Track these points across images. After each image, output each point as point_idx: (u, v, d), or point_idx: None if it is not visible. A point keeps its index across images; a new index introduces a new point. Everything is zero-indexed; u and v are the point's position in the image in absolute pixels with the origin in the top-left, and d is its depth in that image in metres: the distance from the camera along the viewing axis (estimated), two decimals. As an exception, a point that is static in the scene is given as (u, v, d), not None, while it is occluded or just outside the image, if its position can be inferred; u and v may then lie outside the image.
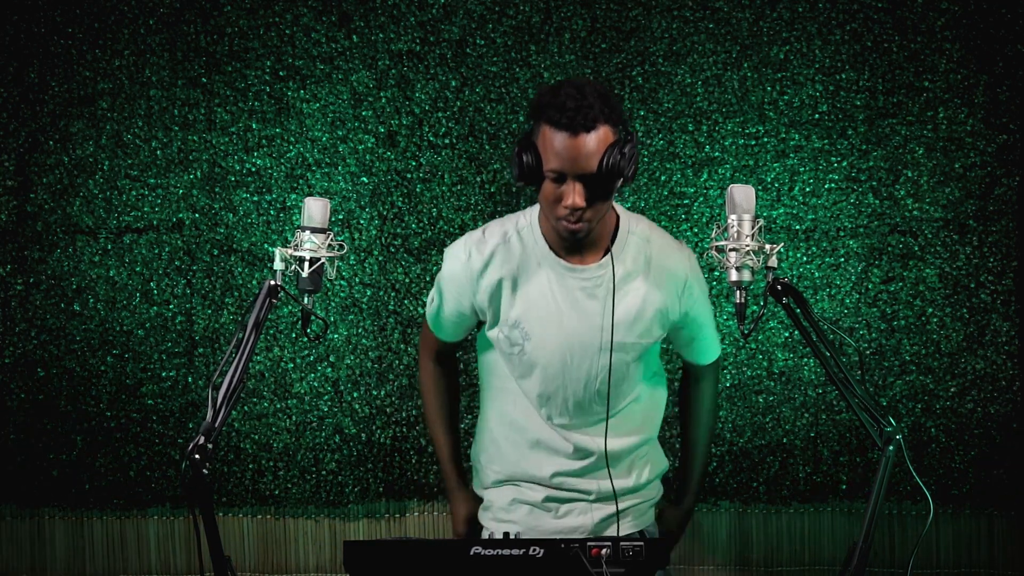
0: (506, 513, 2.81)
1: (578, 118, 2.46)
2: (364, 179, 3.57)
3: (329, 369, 3.59)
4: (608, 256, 2.64)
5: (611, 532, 2.76)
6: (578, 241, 2.62)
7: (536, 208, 2.70)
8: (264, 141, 3.57)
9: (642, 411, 2.80)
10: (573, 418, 2.72)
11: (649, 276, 2.67)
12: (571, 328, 2.67)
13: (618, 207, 2.75)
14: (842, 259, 3.54)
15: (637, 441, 2.79)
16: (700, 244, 3.51)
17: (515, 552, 2.32)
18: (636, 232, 2.71)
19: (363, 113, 3.56)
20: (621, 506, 2.78)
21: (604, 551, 2.31)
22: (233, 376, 2.40)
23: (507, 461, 2.80)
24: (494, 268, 2.70)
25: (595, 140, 2.48)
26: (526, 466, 2.77)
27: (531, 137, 2.54)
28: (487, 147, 3.56)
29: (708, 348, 2.89)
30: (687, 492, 3.05)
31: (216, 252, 3.59)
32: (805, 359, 3.55)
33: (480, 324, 2.87)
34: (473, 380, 3.48)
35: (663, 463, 2.90)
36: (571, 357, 2.67)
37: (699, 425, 2.98)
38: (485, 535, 2.87)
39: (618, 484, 2.75)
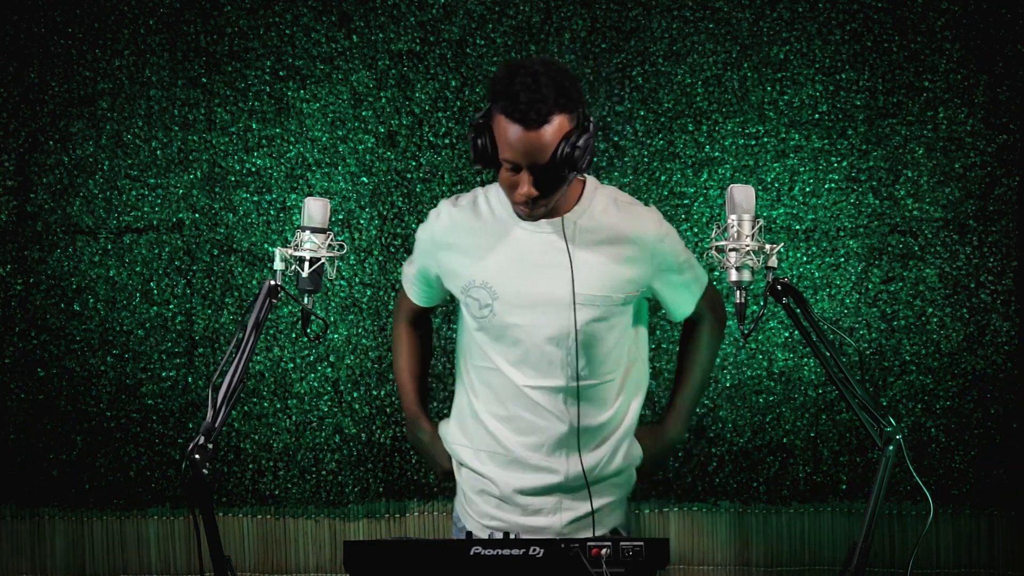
0: (478, 505, 2.80)
1: (531, 113, 2.45)
2: (364, 179, 3.57)
3: (329, 369, 3.59)
4: (572, 211, 2.65)
5: (581, 535, 2.73)
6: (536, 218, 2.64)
7: None
8: (264, 141, 3.57)
9: (616, 391, 2.78)
10: (546, 379, 2.71)
11: (617, 230, 2.67)
12: (538, 282, 2.67)
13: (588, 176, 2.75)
14: (842, 259, 3.54)
15: (609, 417, 2.77)
16: (700, 244, 3.51)
17: (515, 552, 2.31)
18: (602, 191, 2.71)
19: (363, 113, 3.56)
20: (593, 504, 2.76)
21: (604, 551, 2.31)
22: (233, 376, 2.39)
23: (476, 434, 2.79)
24: (460, 228, 2.72)
25: (549, 133, 2.47)
26: (495, 436, 2.76)
27: (488, 120, 2.55)
28: (487, 147, 3.56)
29: (690, 296, 2.84)
30: (670, 415, 2.92)
31: (216, 252, 3.59)
32: (805, 359, 3.55)
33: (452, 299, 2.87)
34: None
35: (638, 454, 2.87)
36: (539, 312, 2.67)
37: (693, 356, 2.88)
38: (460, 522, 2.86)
39: (586, 462, 2.74)
